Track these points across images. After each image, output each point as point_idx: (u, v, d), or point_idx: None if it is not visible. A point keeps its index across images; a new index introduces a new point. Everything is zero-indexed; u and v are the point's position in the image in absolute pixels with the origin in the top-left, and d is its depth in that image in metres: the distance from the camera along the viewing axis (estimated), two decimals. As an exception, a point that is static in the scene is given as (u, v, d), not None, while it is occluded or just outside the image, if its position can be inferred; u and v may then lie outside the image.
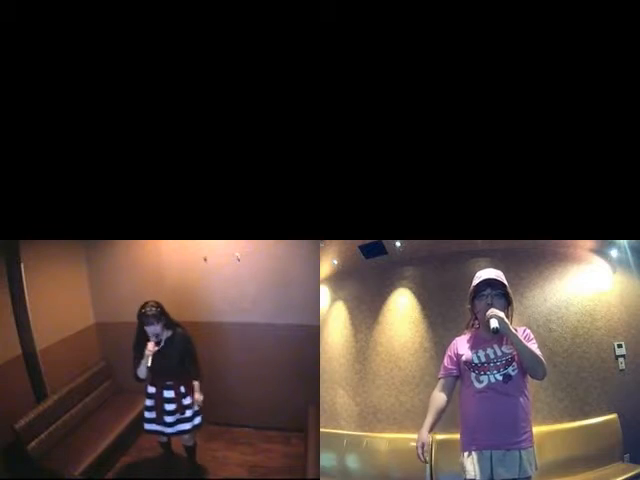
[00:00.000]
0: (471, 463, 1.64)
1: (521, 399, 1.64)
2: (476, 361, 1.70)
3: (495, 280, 1.71)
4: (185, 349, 2.43)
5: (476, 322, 1.79)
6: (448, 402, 1.76)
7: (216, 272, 3.11)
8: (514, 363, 1.66)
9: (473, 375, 1.69)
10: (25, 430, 2.38)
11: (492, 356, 1.69)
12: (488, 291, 1.70)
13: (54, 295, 2.95)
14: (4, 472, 2.29)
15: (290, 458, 2.82)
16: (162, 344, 2.34)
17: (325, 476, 2.51)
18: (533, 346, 1.66)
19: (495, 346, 1.71)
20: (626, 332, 2.72)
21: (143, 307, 2.30)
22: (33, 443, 2.40)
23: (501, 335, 1.66)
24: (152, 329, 2.29)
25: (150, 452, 2.83)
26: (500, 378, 1.64)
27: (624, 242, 2.77)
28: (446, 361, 1.83)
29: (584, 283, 2.82)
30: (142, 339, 2.32)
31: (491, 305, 1.69)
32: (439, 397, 1.77)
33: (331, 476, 2.91)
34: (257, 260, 3.05)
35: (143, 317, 2.29)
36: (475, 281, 1.74)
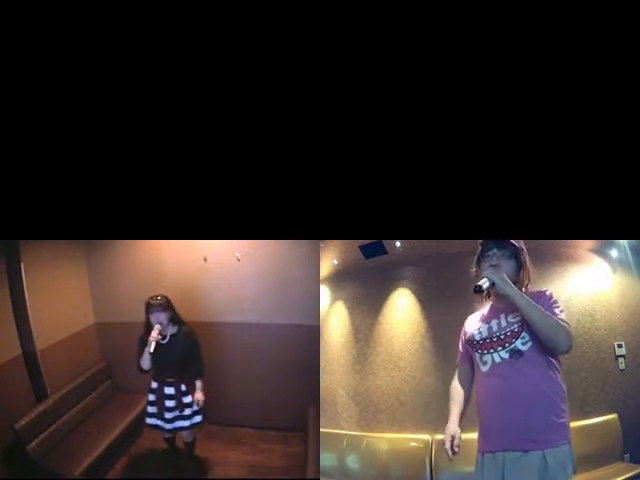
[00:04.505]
0: (481, 470, 1.38)
1: (543, 380, 1.29)
2: (477, 338, 1.42)
3: (503, 240, 1.43)
4: (189, 346, 2.44)
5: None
6: (469, 391, 1.51)
7: (216, 272, 3.11)
8: (524, 334, 1.32)
9: (477, 356, 1.42)
10: (25, 430, 2.37)
11: (495, 328, 1.39)
12: (494, 250, 1.42)
13: (54, 295, 2.95)
14: (4, 472, 2.29)
15: (290, 458, 2.82)
16: (167, 339, 2.36)
17: (325, 476, 2.51)
18: (555, 310, 1.33)
19: (502, 316, 1.40)
20: (626, 332, 2.72)
21: (150, 298, 2.34)
22: (33, 443, 2.40)
23: (512, 303, 1.33)
24: (156, 317, 2.31)
25: (150, 452, 2.83)
26: (506, 356, 1.33)
27: (624, 242, 2.77)
28: (460, 344, 1.56)
29: (584, 283, 2.82)
30: (147, 330, 2.33)
31: (496, 267, 1.39)
32: (456, 388, 1.52)
33: (331, 476, 2.91)
34: (257, 260, 3.04)
35: (148, 306, 2.32)
36: (481, 241, 1.49)
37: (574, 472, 1.28)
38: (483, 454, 1.38)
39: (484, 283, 1.34)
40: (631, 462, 2.48)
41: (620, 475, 2.30)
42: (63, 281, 3.08)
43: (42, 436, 2.47)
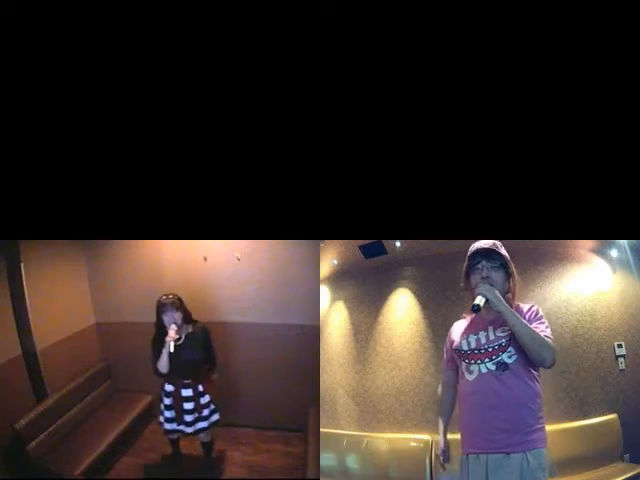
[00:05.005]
0: (465, 470, 1.45)
1: (526, 390, 1.40)
2: (465, 348, 1.49)
3: (489, 250, 1.48)
4: (206, 345, 2.41)
5: None
6: (454, 399, 1.61)
7: (216, 272, 3.11)
8: (510, 348, 1.40)
9: (464, 365, 1.48)
10: (25, 430, 2.37)
11: (483, 341, 1.45)
12: (483, 263, 1.47)
13: (54, 295, 2.95)
14: (4, 472, 2.29)
15: (290, 458, 2.82)
16: (182, 339, 2.30)
17: (325, 476, 2.51)
18: (540, 326, 1.43)
19: (490, 329, 1.47)
20: (626, 332, 2.72)
21: (161, 297, 2.28)
22: (33, 443, 2.40)
23: (499, 315, 1.41)
24: (169, 316, 2.25)
25: (150, 452, 2.83)
26: (493, 367, 1.40)
27: (624, 242, 2.77)
28: (444, 351, 1.65)
29: (584, 283, 2.82)
30: (161, 330, 2.28)
31: (486, 279, 1.45)
32: (444, 401, 1.65)
33: (331, 476, 2.91)
34: (257, 260, 3.04)
35: (160, 306, 2.26)
36: (468, 254, 1.53)
37: (552, 474, 1.46)
38: (467, 455, 1.46)
39: (480, 301, 1.40)
40: (631, 462, 2.48)
41: (620, 475, 2.30)
42: (63, 281, 3.08)
43: (42, 436, 2.47)
